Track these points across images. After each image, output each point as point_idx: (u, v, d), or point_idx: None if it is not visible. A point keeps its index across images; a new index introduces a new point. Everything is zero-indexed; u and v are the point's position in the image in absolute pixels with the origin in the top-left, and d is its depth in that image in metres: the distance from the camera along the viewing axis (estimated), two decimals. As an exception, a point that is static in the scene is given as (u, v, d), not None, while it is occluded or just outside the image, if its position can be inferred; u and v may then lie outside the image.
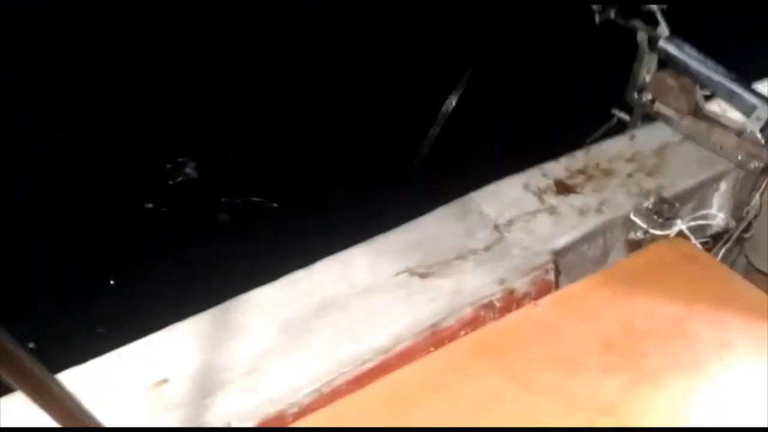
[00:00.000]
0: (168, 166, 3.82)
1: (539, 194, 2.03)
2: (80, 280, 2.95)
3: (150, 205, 3.51)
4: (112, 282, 2.93)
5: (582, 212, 1.98)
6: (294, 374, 1.51)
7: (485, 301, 1.71)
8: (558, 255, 1.86)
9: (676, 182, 2.08)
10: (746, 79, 2.19)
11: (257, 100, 4.13)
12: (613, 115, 2.51)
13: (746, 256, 2.22)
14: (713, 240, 2.18)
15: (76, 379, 1.45)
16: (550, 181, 2.08)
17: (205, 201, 3.45)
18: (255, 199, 3.45)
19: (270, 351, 1.56)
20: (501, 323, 1.64)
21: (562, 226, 1.93)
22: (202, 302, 1.60)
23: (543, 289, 1.80)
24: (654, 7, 2.26)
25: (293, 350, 1.56)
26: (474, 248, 1.84)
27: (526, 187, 2.05)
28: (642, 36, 2.30)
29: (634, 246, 2.00)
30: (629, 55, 2.36)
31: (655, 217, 1.97)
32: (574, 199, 2.02)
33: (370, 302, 1.67)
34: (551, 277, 1.83)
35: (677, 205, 2.01)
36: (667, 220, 1.98)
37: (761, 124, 2.07)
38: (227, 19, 4.85)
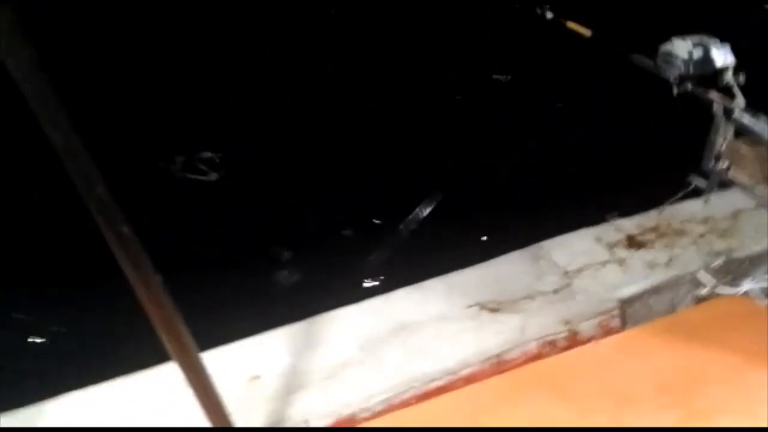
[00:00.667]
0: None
1: (610, 247, 2.15)
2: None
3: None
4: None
5: (651, 266, 2.07)
6: (368, 384, 1.68)
7: (550, 338, 1.84)
8: (624, 304, 1.96)
9: (746, 245, 2.15)
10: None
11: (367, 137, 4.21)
12: (690, 182, 2.60)
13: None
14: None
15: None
16: (622, 236, 2.19)
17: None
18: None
19: (348, 362, 1.74)
20: (563, 356, 1.75)
21: (630, 277, 2.03)
22: (292, 316, 1.82)
23: (607, 335, 1.90)
24: (730, 80, 2.38)
25: (369, 364, 1.74)
26: (543, 290, 1.98)
27: (598, 239, 2.18)
28: (718, 107, 2.42)
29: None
30: (707, 124, 2.48)
31: (723, 276, 2.04)
32: (644, 254, 2.12)
33: (442, 329, 1.84)
34: (617, 324, 1.93)
35: (746, 266, 2.07)
36: (735, 280, 2.05)
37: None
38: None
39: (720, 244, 2.16)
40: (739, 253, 2.11)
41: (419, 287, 1.97)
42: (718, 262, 2.08)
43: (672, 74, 2.44)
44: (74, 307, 2.92)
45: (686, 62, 2.40)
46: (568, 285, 2.00)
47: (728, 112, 2.40)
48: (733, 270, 2.06)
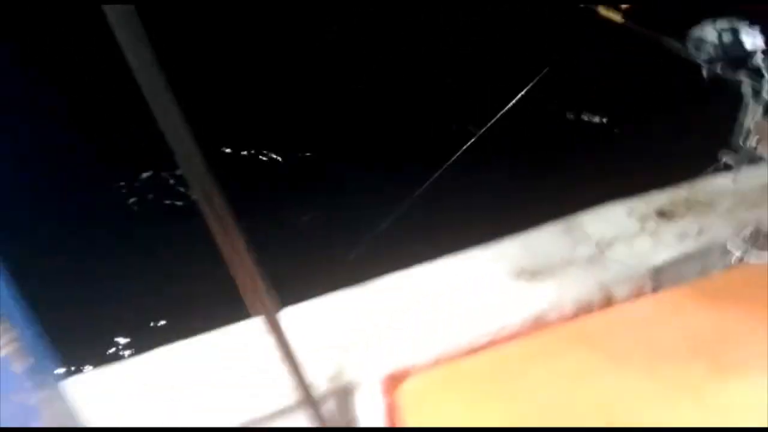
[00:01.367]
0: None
1: (641, 219, 2.27)
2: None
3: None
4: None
5: (681, 236, 2.20)
6: (419, 343, 1.84)
7: (586, 302, 1.98)
8: (656, 271, 2.09)
9: (774, 217, 2.25)
10: None
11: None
12: (720, 159, 2.70)
13: None
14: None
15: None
16: (652, 209, 2.32)
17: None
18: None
19: (400, 323, 1.91)
20: (598, 315, 1.89)
21: (662, 247, 2.15)
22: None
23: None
24: (759, 62, 2.48)
25: (419, 325, 1.90)
26: (577, 259, 2.12)
27: (630, 212, 2.30)
28: (746, 87, 2.52)
29: (730, 271, 2.18)
30: (736, 104, 2.58)
31: (752, 245, 2.15)
32: (674, 226, 2.25)
33: (484, 293, 1.99)
34: (649, 290, 2.06)
35: (774, 235, 2.17)
36: (763, 249, 2.15)
37: None
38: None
39: (748, 216, 2.27)
40: (766, 225, 2.22)
41: (462, 255, 2.13)
42: (747, 232, 2.19)
43: (702, 57, 2.56)
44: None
45: (716, 46, 2.51)
46: (601, 254, 2.13)
47: (756, 92, 2.50)
48: (762, 239, 2.17)
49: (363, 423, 1.81)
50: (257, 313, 1.42)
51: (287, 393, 1.61)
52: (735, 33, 2.49)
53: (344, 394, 1.77)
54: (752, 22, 2.50)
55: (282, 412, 1.69)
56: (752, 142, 2.57)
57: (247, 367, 1.77)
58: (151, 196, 4.32)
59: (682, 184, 2.45)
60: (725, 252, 2.18)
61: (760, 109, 2.55)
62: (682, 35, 2.58)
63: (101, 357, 1.79)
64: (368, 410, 1.79)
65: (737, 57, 2.53)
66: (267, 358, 1.69)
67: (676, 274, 2.14)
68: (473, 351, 1.83)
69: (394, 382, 1.76)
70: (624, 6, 2.68)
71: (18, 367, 1.17)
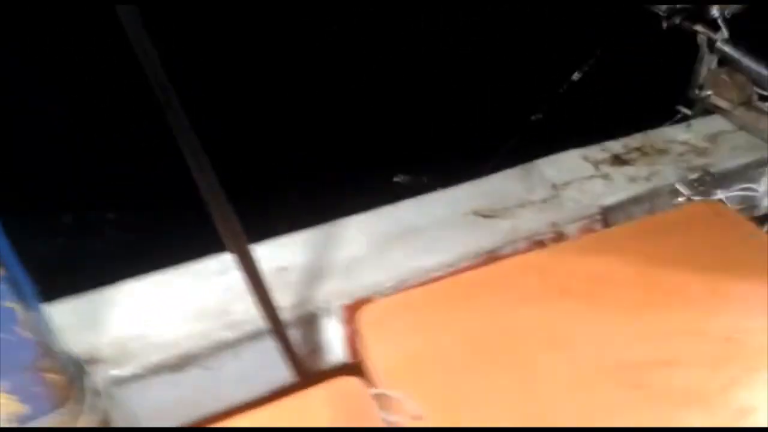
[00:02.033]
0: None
1: (596, 164, 2.40)
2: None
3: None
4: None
5: (632, 179, 2.32)
6: (380, 274, 1.97)
7: (537, 238, 2.10)
8: (606, 211, 2.21)
9: (722, 162, 2.38)
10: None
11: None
12: (678, 111, 2.82)
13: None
14: (759, 222, 2.44)
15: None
16: (608, 155, 2.44)
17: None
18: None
19: (362, 258, 2.03)
20: (549, 249, 2.02)
21: (613, 189, 2.28)
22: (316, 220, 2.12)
23: (590, 236, 2.16)
24: (716, 14, 2.59)
25: (380, 258, 2.02)
26: (532, 200, 2.24)
27: (585, 158, 2.42)
28: (702, 38, 2.63)
29: (678, 212, 2.31)
30: (692, 55, 2.69)
31: (699, 186, 2.28)
32: (627, 170, 2.37)
33: (442, 231, 2.11)
34: (599, 227, 2.19)
35: (720, 178, 2.30)
36: (709, 191, 2.28)
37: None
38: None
39: (698, 161, 2.40)
40: (715, 169, 2.34)
41: (421, 198, 2.24)
42: (695, 175, 2.31)
43: (661, 8, 2.66)
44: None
45: (673, -3, 2.62)
46: (556, 196, 2.26)
47: (712, 44, 2.61)
48: (708, 183, 2.30)
49: (326, 348, 1.94)
50: (230, 248, 1.55)
51: (257, 320, 1.75)
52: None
53: (308, 321, 1.89)
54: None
55: (251, 337, 1.81)
56: (706, 92, 2.69)
57: (219, 296, 1.90)
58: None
59: (638, 132, 2.57)
60: (674, 193, 2.31)
61: (714, 61, 2.67)
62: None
63: (79, 285, 1.89)
64: (330, 336, 1.92)
65: (695, 9, 2.64)
66: (239, 288, 1.83)
67: (625, 214, 2.27)
68: (429, 281, 1.95)
69: (355, 309, 1.88)
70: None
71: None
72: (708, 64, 2.68)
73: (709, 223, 2.07)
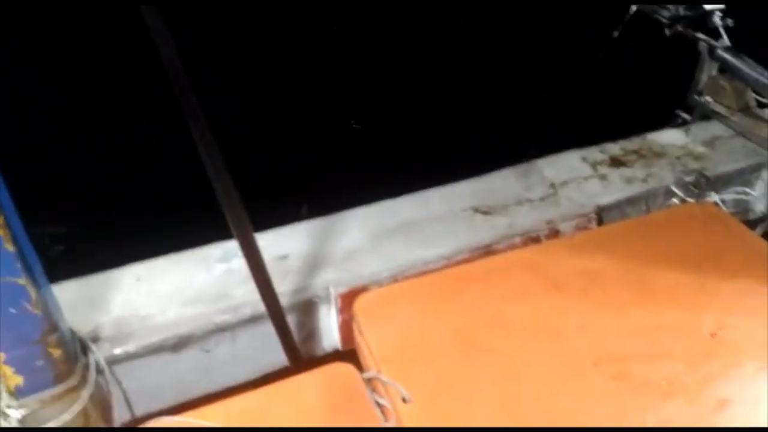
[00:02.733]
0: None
1: (594, 165, 2.44)
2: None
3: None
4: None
5: (629, 181, 2.36)
6: (377, 264, 2.02)
7: (533, 235, 2.15)
8: (602, 210, 2.25)
9: (717, 166, 2.42)
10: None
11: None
12: (677, 115, 2.86)
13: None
14: (752, 224, 2.47)
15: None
16: (606, 157, 2.48)
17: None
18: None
19: (361, 249, 2.08)
20: (544, 244, 2.07)
21: (609, 189, 2.32)
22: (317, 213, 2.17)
23: (585, 235, 2.20)
24: (717, 22, 2.63)
25: (378, 250, 2.07)
26: (530, 198, 2.29)
27: (584, 159, 2.47)
28: (703, 46, 2.67)
29: (673, 213, 2.35)
30: (693, 62, 2.73)
31: (694, 189, 2.32)
32: (624, 171, 2.41)
33: (439, 226, 2.16)
34: (593, 226, 2.23)
35: (715, 181, 2.34)
36: (704, 194, 2.32)
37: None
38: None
39: (694, 165, 2.44)
40: (710, 172, 2.38)
41: (421, 194, 2.29)
42: (690, 178, 2.35)
43: (664, 16, 2.71)
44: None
45: (677, 6, 2.67)
46: (553, 194, 2.30)
47: (712, 51, 2.65)
48: (703, 185, 2.33)
49: (322, 334, 1.99)
50: (236, 234, 1.62)
51: (255, 305, 1.80)
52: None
53: (306, 308, 1.95)
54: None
55: (249, 321, 1.87)
56: (705, 98, 2.74)
57: (220, 280, 1.96)
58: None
59: (637, 136, 2.61)
60: (669, 195, 2.35)
61: (714, 68, 2.71)
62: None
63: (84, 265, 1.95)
64: (326, 323, 1.97)
65: (698, 17, 2.68)
66: (239, 274, 1.89)
67: (621, 214, 2.31)
68: (424, 273, 2.00)
69: (351, 298, 1.93)
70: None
71: (10, 246, 1.34)
72: (708, 70, 2.72)
73: (700, 223, 2.11)
